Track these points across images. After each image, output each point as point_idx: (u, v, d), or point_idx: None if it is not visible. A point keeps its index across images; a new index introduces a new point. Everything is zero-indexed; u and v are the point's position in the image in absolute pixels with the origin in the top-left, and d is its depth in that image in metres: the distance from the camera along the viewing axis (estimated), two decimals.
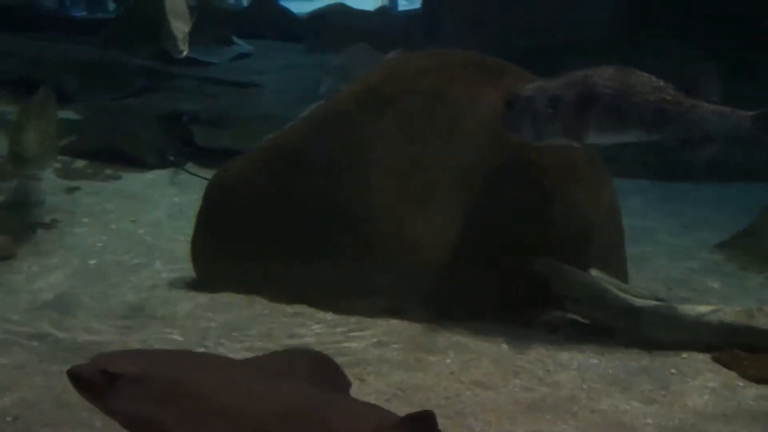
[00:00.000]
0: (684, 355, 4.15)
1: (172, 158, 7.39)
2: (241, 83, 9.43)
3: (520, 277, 4.40)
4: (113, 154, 7.32)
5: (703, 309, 4.26)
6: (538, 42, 8.62)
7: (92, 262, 5.33)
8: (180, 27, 6.19)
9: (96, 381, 2.66)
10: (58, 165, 6.97)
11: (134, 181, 7.01)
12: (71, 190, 6.65)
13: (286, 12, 13.06)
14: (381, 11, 14.92)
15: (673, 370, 4.01)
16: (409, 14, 13.82)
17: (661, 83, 3.98)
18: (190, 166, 7.35)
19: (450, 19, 10.05)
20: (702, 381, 3.93)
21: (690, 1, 8.84)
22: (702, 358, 4.12)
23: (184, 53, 6.19)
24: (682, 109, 3.96)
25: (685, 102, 3.96)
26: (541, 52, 8.18)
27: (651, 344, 4.18)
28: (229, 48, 11.32)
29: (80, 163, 7.20)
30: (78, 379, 2.68)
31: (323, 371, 3.01)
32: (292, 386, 2.75)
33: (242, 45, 11.51)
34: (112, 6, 14.22)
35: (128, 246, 5.64)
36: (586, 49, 8.11)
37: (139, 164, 7.27)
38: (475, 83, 4.66)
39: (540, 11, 9.11)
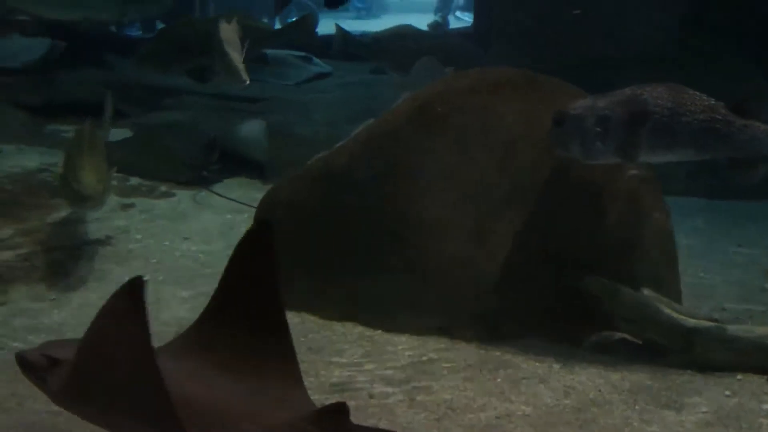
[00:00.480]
0: (739, 376, 4.08)
1: (206, 174, 7.43)
2: (251, 98, 9.56)
3: (570, 295, 4.37)
4: (148, 171, 7.43)
5: (758, 330, 4.20)
6: (589, 58, 8.56)
7: (145, 278, 5.37)
8: (238, 57, 6.24)
9: (39, 365, 2.78)
10: (114, 182, 7.08)
11: (188, 198, 7.08)
12: (126, 206, 6.74)
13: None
14: (435, 26, 14.94)
15: (727, 392, 3.95)
16: (460, 32, 13.82)
17: (713, 102, 3.94)
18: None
19: (501, 36, 10.03)
20: (757, 403, 3.86)
21: (746, 15, 8.73)
22: (757, 380, 4.06)
23: (247, 82, 6.23)
24: (733, 129, 3.92)
25: (737, 122, 3.92)
26: (593, 67, 8.14)
27: (705, 365, 4.13)
28: (307, 67, 11.37)
29: (135, 181, 7.30)
30: (23, 362, 2.83)
31: (272, 359, 2.92)
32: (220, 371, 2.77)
33: (321, 65, 11.54)
34: (160, 26, 14.48)
35: (180, 263, 5.70)
36: (639, 64, 8.06)
37: (175, 181, 7.34)
38: (527, 101, 4.65)
39: (591, 27, 9.05)
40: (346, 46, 9.90)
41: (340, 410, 2.48)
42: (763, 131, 3.97)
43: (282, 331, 2.93)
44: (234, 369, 2.78)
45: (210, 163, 7.50)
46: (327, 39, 10.46)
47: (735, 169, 4.02)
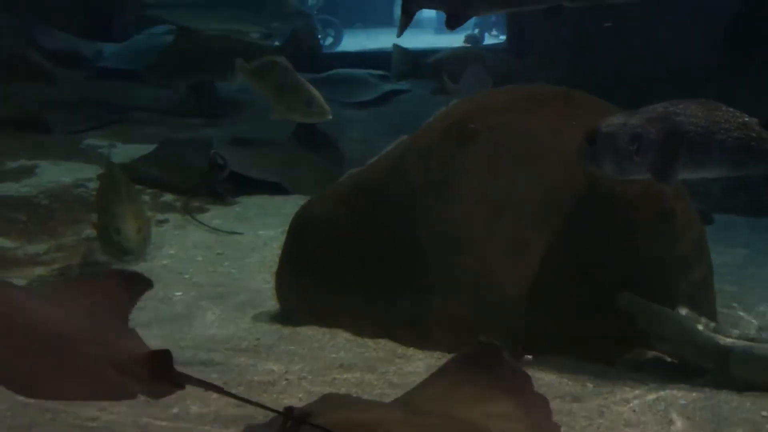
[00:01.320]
0: None
1: (220, 191, 7.44)
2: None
3: (604, 313, 4.33)
4: (165, 185, 7.52)
5: None
6: (625, 73, 8.53)
7: (178, 294, 5.42)
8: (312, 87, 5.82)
9: None
10: (146, 197, 7.15)
11: (222, 213, 7.12)
12: (160, 222, 6.79)
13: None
14: (472, 40, 14.97)
15: (764, 413, 3.89)
16: (494, 48, 13.84)
17: (746, 119, 3.90)
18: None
19: (534, 52, 10.03)
20: None
21: None
22: None
23: (330, 117, 5.86)
24: (767, 146, 3.89)
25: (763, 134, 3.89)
26: (629, 83, 8.11)
27: (741, 385, 4.07)
28: (380, 86, 11.39)
29: (169, 197, 7.35)
30: None
31: (112, 299, 3.40)
32: (62, 310, 3.13)
33: (399, 83, 11.51)
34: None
35: (213, 278, 5.72)
36: (675, 80, 8.02)
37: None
38: (560, 118, 4.63)
39: (626, 42, 9.03)
40: (407, 64, 9.96)
41: (163, 357, 2.88)
42: None
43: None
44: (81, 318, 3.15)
45: (218, 182, 7.43)
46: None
47: None
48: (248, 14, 9.65)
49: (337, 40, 17.96)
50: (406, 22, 5.03)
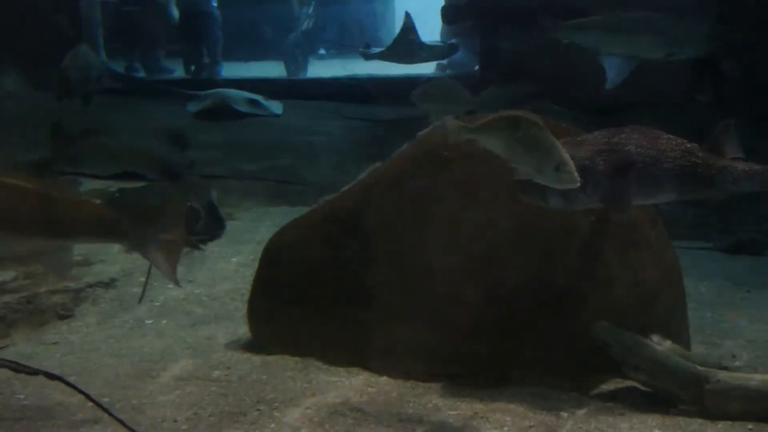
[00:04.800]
0: (750, 426, 4.00)
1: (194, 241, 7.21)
2: None
3: (578, 342, 4.32)
4: None
5: None
6: (600, 101, 8.57)
7: (149, 322, 5.37)
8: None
9: None
10: None
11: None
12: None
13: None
14: (441, 68, 15.02)
15: None
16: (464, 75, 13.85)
17: (688, 145, 3.95)
18: None
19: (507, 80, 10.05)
20: None
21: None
22: None
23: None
24: (713, 171, 3.97)
25: (716, 163, 3.96)
26: (605, 110, 8.15)
27: (715, 414, 4.05)
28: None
29: None
30: None
31: None
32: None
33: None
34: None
35: (185, 307, 5.67)
36: (651, 108, 8.10)
37: None
38: None
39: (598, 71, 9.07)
40: None
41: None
42: (740, 171, 4.03)
43: None
44: None
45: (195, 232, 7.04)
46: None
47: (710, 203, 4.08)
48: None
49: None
50: None
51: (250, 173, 9.14)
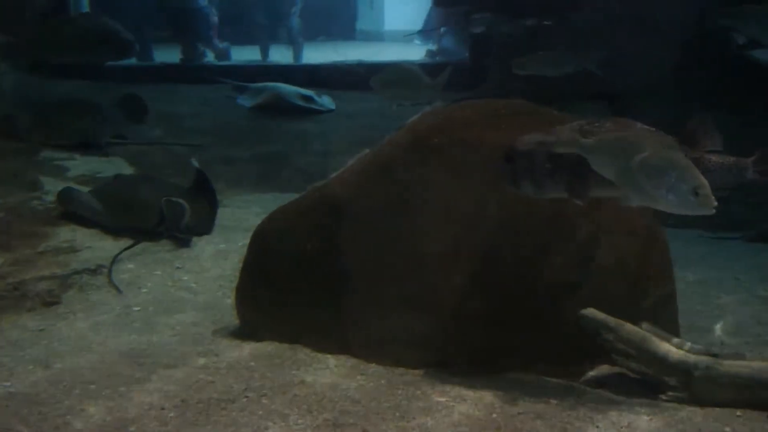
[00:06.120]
0: (738, 412, 4.01)
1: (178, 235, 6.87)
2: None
3: (567, 329, 4.31)
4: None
5: (756, 365, 4.13)
6: (585, 89, 8.57)
7: (136, 309, 5.34)
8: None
9: None
10: None
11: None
12: (117, 236, 6.68)
13: None
14: (431, 54, 15.01)
15: (727, 429, 3.88)
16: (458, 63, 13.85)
17: (662, 136, 3.89)
18: None
19: (497, 66, 10.03)
20: None
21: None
22: (757, 416, 3.98)
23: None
24: None
25: (688, 155, 3.88)
26: (590, 98, 8.17)
27: (704, 401, 4.06)
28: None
29: None
30: None
31: None
32: None
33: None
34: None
35: (172, 293, 5.64)
36: (636, 96, 8.08)
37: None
38: (524, 132, 4.60)
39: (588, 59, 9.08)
40: None
41: None
42: (713, 163, 3.97)
43: None
44: None
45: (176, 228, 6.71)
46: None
47: None
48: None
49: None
50: None
51: None
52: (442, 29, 14.61)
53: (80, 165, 8.49)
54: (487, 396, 4.13)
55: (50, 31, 9.52)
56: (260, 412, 3.93)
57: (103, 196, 7.09)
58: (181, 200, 6.78)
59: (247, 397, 4.09)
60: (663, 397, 4.12)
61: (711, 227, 7.51)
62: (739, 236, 7.48)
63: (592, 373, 4.37)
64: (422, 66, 9.03)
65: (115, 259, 6.06)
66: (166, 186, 7.37)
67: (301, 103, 10.97)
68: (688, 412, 4.01)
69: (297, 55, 15.97)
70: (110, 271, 5.91)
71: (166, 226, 6.65)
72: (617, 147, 3.55)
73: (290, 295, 4.74)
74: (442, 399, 4.10)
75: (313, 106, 11.00)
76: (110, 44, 9.45)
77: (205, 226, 6.97)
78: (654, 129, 3.87)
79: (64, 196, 7.02)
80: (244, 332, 4.85)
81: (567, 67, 8.09)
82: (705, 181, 3.45)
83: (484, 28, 10.84)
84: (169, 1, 13.72)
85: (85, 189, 7.37)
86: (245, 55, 15.01)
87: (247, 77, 11.90)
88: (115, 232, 6.63)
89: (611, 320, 4.25)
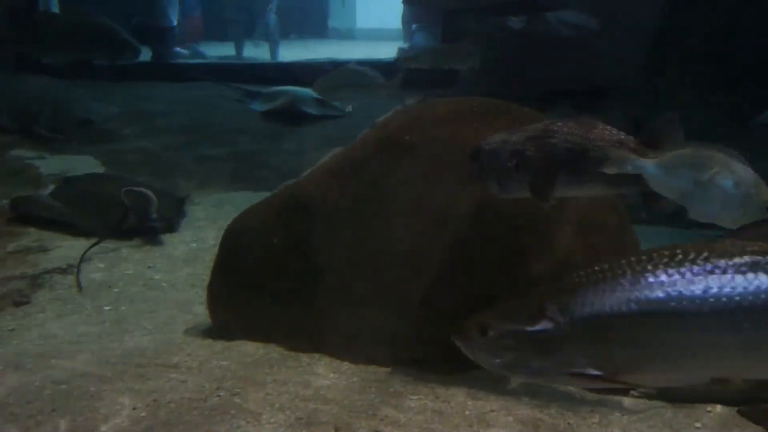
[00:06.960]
0: (708, 408, 4.05)
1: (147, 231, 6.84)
2: None
3: None
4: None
5: None
6: (560, 87, 8.61)
7: (107, 308, 5.31)
8: None
9: None
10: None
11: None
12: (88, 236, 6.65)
13: None
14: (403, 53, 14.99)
15: (698, 425, 3.91)
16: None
17: (623, 137, 3.89)
18: None
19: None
20: None
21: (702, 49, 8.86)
22: (727, 413, 4.02)
23: None
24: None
25: (646, 156, 3.89)
26: (565, 96, 8.20)
27: (674, 397, 4.09)
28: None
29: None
30: None
31: None
32: None
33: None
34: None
35: (144, 292, 5.61)
36: (607, 94, 8.12)
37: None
38: (499, 131, 4.61)
39: (559, 57, 9.12)
40: None
41: None
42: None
43: None
44: None
45: (147, 222, 6.68)
46: None
47: (646, 202, 3.95)
48: None
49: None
50: None
51: None
52: (413, 26, 14.60)
53: (50, 163, 8.43)
54: (460, 393, 4.14)
55: (52, 27, 9.35)
56: (233, 411, 3.91)
57: (64, 196, 7.01)
58: (143, 189, 6.72)
59: (219, 395, 4.07)
60: (633, 393, 4.15)
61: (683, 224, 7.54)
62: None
63: None
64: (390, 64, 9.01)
65: (82, 258, 6.02)
66: (130, 183, 7.27)
67: (315, 109, 10.56)
68: (659, 407, 4.04)
69: (273, 52, 15.94)
70: (79, 270, 5.86)
71: (133, 218, 6.62)
72: (684, 165, 3.51)
73: (262, 294, 4.73)
74: (415, 397, 4.11)
75: (328, 111, 10.55)
76: (115, 45, 9.32)
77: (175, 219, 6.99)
78: (611, 128, 3.88)
79: (19, 201, 6.93)
80: (217, 331, 4.83)
81: (472, 62, 7.96)
82: None
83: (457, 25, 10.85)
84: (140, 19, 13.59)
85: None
86: (219, 51, 14.96)
87: (223, 75, 11.82)
88: (88, 232, 6.57)
89: None
